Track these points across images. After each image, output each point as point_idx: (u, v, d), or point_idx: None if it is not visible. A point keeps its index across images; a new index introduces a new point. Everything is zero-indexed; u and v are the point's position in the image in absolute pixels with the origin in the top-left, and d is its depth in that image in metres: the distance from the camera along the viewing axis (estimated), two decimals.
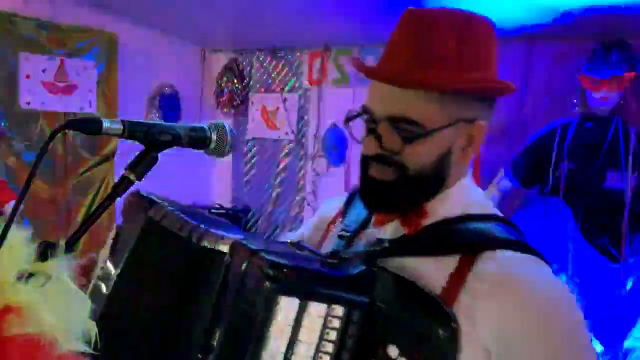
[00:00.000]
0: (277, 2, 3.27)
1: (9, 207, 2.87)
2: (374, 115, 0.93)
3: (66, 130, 0.83)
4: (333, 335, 0.78)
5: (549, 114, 3.33)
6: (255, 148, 4.56)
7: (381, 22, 3.40)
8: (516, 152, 3.18)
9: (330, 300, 0.79)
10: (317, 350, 0.78)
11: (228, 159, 4.58)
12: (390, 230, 0.97)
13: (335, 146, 3.98)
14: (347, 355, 0.79)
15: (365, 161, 0.94)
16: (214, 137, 0.97)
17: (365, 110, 0.95)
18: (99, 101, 3.70)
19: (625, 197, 2.78)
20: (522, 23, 3.17)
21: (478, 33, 0.94)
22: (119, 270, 0.98)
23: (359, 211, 1.04)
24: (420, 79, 0.88)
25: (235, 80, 4.47)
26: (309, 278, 0.82)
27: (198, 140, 0.96)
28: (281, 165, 4.39)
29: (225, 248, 0.86)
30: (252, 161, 4.59)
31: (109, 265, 1.01)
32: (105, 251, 1.03)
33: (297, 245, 0.95)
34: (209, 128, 0.97)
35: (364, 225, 1.02)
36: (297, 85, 4.25)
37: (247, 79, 4.52)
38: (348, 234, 1.02)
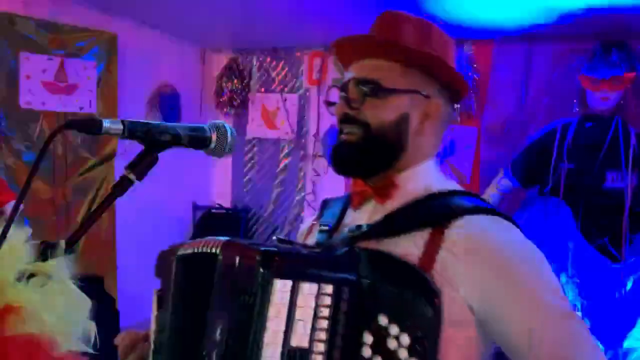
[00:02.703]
0: (277, 2, 3.27)
1: (9, 207, 2.87)
2: (344, 82, 1.07)
3: (66, 130, 0.83)
4: (326, 312, 0.84)
5: (549, 114, 3.33)
6: (255, 148, 4.56)
7: None
8: (516, 152, 3.18)
9: (320, 280, 0.84)
10: (314, 326, 0.83)
11: (228, 159, 4.58)
12: (366, 215, 1.06)
13: None
14: (341, 330, 0.85)
15: (339, 128, 1.06)
16: (214, 137, 0.97)
17: (341, 85, 1.09)
18: (99, 101, 3.70)
19: (625, 197, 2.78)
20: (522, 23, 3.18)
21: (439, 33, 1.08)
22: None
23: (334, 209, 1.15)
24: (383, 40, 1.05)
25: (235, 80, 4.47)
26: (299, 261, 0.88)
27: (198, 140, 0.96)
28: (281, 165, 4.39)
29: (216, 249, 0.92)
30: (252, 161, 4.59)
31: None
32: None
33: (284, 240, 1.02)
34: (209, 128, 0.97)
35: (342, 216, 1.12)
36: (297, 85, 4.26)
37: (247, 79, 4.52)
38: (327, 227, 1.10)
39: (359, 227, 1.01)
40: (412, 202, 1.01)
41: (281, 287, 0.83)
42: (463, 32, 3.47)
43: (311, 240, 1.15)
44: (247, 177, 4.61)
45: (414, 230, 0.96)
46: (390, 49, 1.03)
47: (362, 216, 1.07)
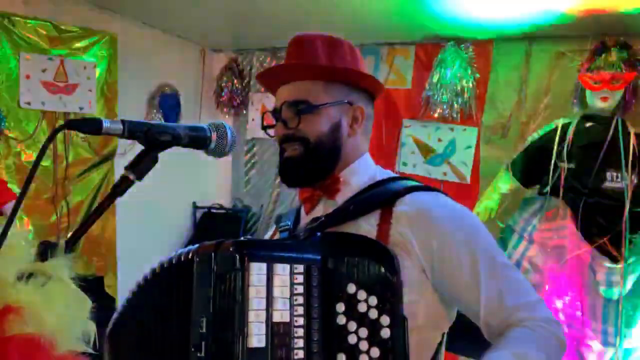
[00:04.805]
0: (277, 2, 3.27)
1: (9, 207, 2.87)
2: (277, 106, 1.20)
3: (66, 130, 0.83)
4: (300, 289, 0.94)
5: (549, 114, 3.32)
6: (255, 148, 4.56)
7: (380, 22, 3.40)
8: (516, 152, 3.18)
9: (291, 261, 0.94)
10: (291, 302, 0.93)
11: (228, 159, 4.58)
12: (320, 212, 1.18)
13: None
14: (316, 303, 0.95)
15: (281, 147, 1.19)
16: (214, 137, 0.97)
17: (273, 109, 1.22)
18: (99, 101, 3.70)
19: (625, 197, 2.78)
20: (522, 23, 3.18)
21: (343, 45, 1.22)
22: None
23: (289, 217, 1.29)
24: (300, 62, 1.18)
25: (235, 80, 4.47)
26: (271, 247, 0.99)
27: (198, 140, 0.97)
28: None
29: (191, 255, 1.00)
30: (252, 161, 4.58)
31: None
32: None
33: (251, 238, 1.14)
34: (209, 128, 0.97)
35: (297, 221, 1.26)
36: None
37: (247, 79, 4.51)
38: (288, 226, 1.24)
39: (317, 219, 1.14)
40: (361, 190, 1.16)
41: (257, 270, 0.91)
42: (463, 32, 3.47)
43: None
44: (247, 177, 4.61)
45: (366, 213, 1.10)
46: (310, 70, 1.16)
47: (315, 214, 1.18)
